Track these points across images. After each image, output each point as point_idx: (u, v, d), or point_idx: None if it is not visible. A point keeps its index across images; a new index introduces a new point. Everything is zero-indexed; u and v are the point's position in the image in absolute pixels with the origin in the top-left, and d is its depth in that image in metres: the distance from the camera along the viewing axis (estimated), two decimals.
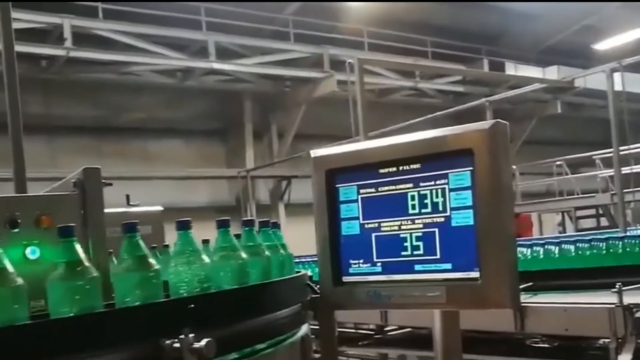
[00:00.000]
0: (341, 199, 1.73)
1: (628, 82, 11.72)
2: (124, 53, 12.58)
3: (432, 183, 1.61)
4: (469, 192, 1.57)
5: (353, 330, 5.74)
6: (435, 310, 1.74)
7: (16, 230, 2.03)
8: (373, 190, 1.69)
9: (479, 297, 1.55)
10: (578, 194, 14.56)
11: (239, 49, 14.19)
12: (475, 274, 1.55)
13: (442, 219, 1.60)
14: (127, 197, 4.59)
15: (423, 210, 1.63)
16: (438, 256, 1.60)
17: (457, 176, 1.58)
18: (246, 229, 1.78)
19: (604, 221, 14.42)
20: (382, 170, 1.67)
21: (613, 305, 3.41)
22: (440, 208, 1.60)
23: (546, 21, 18.22)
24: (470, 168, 1.56)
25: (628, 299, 3.40)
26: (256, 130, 15.67)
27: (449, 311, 1.74)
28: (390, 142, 1.68)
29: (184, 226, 1.52)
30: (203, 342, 1.26)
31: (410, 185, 1.64)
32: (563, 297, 3.84)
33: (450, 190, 1.59)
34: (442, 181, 1.60)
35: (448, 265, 1.59)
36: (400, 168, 1.65)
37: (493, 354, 4.70)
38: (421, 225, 1.63)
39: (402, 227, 1.65)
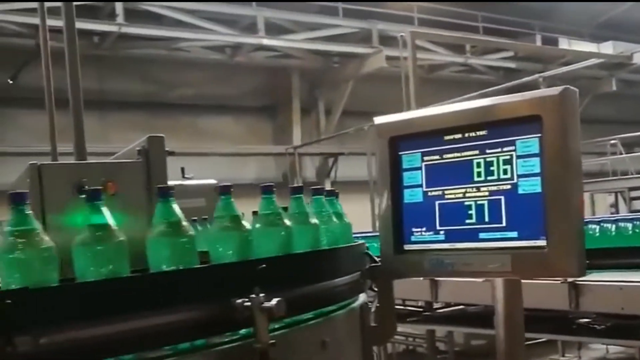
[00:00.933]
0: (404, 166, 1.72)
1: None
2: (173, 29, 12.70)
3: (499, 150, 1.59)
4: (537, 159, 1.54)
5: (401, 307, 5.75)
6: (497, 279, 1.73)
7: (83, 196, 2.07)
8: (437, 157, 1.67)
9: (545, 265, 1.53)
10: (632, 174, 14.20)
11: (287, 24, 14.18)
12: (542, 242, 1.53)
13: (509, 187, 1.58)
14: (182, 169, 4.64)
15: (489, 178, 1.60)
16: (504, 224, 1.59)
17: (524, 143, 1.55)
18: (295, 196, 1.78)
19: None
20: (446, 137, 1.66)
21: None
22: (507, 175, 1.58)
23: None
24: (539, 135, 1.53)
25: None
26: (303, 106, 15.68)
27: (512, 281, 1.72)
28: (455, 109, 1.66)
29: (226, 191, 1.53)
30: (273, 301, 1.28)
31: (476, 152, 1.62)
32: (619, 275, 3.77)
33: (518, 157, 1.57)
34: (509, 148, 1.58)
35: (514, 234, 1.57)
36: (466, 135, 1.63)
37: (547, 332, 4.66)
38: (487, 193, 1.61)
39: (467, 194, 1.64)
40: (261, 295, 1.30)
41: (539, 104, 1.53)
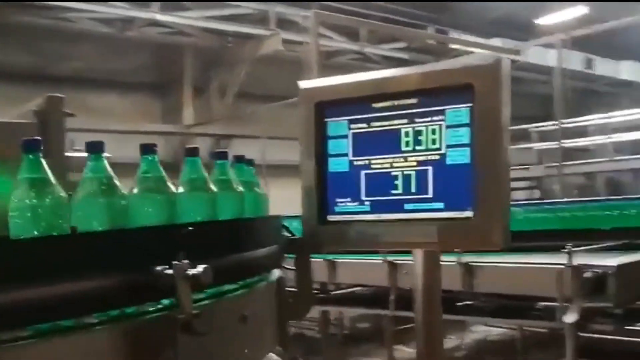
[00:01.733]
0: (330, 134, 1.65)
1: (565, 58, 12.00)
2: None
3: (428, 119, 1.55)
4: (467, 129, 1.52)
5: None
6: (417, 251, 1.70)
7: None
8: (365, 125, 1.62)
9: (472, 237, 1.52)
10: (515, 167, 14.88)
11: (182, 0, 13.77)
12: (468, 214, 1.51)
13: (437, 157, 1.55)
14: (72, 141, 4.37)
15: (417, 148, 1.57)
16: (430, 195, 1.55)
17: (455, 112, 1.53)
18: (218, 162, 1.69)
19: (536, 193, 14.81)
20: (375, 105, 1.60)
21: (562, 266, 3.49)
22: (436, 145, 1.55)
23: None
24: (470, 104, 1.51)
25: (577, 261, 3.49)
26: (196, 86, 15.32)
27: (432, 253, 1.70)
28: (385, 75, 1.61)
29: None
30: (199, 268, 1.18)
31: (405, 121, 1.58)
32: (512, 257, 3.91)
33: (447, 127, 1.54)
34: (439, 117, 1.54)
35: (440, 205, 1.54)
36: (395, 103, 1.58)
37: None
38: (414, 164, 1.57)
39: (394, 164, 1.59)
40: (185, 262, 1.19)
41: (471, 72, 1.51)
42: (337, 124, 1.64)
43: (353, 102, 1.62)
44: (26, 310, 1.07)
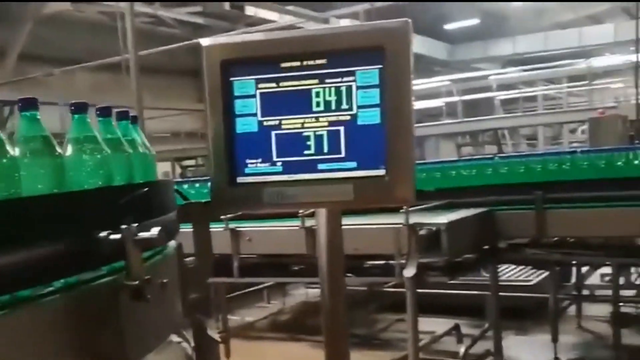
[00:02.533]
0: (236, 93, 1.60)
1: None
2: None
3: (339, 80, 1.57)
4: (377, 90, 1.56)
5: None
6: (320, 211, 1.73)
7: None
8: (274, 85, 1.59)
9: (386, 193, 1.57)
10: None
11: None
12: (381, 172, 1.56)
13: (348, 117, 1.58)
14: None
15: (328, 108, 1.58)
16: (343, 155, 1.58)
17: (365, 74, 1.56)
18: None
19: None
20: (284, 65, 1.58)
21: (399, 225, 3.72)
22: (347, 106, 1.57)
23: None
24: (380, 66, 1.55)
25: (414, 219, 3.74)
26: None
27: (333, 211, 1.74)
28: (294, 34, 1.60)
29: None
30: (154, 230, 1.10)
31: (316, 81, 1.58)
32: (355, 219, 4.08)
33: (358, 87, 1.57)
34: (350, 78, 1.57)
35: (353, 164, 1.58)
36: (305, 63, 1.58)
37: (277, 276, 4.84)
38: (326, 124, 1.59)
39: (305, 125, 1.59)
40: (134, 225, 1.11)
41: (382, 34, 1.55)
42: (243, 83, 1.60)
43: (261, 61, 1.59)
44: None
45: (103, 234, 1.09)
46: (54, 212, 1.05)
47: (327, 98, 1.58)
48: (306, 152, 1.59)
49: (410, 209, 3.70)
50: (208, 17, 17.25)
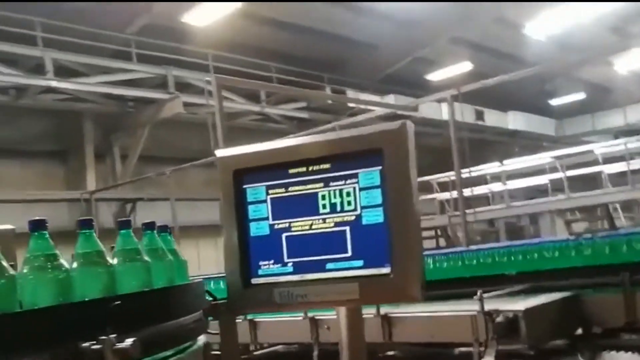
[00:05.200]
0: (249, 199, 1.71)
1: (457, 111, 12.63)
2: None
3: (343, 182, 1.65)
4: (379, 190, 1.61)
5: (218, 352, 5.63)
6: (341, 309, 1.77)
7: None
8: (282, 190, 1.69)
9: (391, 291, 1.60)
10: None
11: (78, 67, 13.59)
12: (386, 270, 1.60)
13: (353, 217, 1.64)
14: None
15: (334, 209, 1.65)
16: (350, 254, 1.63)
17: (367, 175, 1.62)
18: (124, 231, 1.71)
19: (442, 241, 15.27)
20: (291, 171, 1.68)
21: (475, 312, 3.63)
22: (351, 207, 1.64)
23: (382, 52, 19.15)
24: (380, 167, 1.61)
25: (488, 306, 3.64)
26: (98, 151, 15.04)
27: (354, 310, 1.77)
28: (299, 142, 1.70)
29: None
30: (128, 341, 1.19)
31: (321, 185, 1.66)
32: (426, 307, 4.03)
33: (361, 189, 1.63)
34: (352, 180, 1.64)
35: (360, 263, 1.62)
36: (310, 168, 1.67)
37: None
38: (332, 224, 1.65)
39: (313, 226, 1.67)
40: (112, 336, 1.20)
41: (379, 137, 1.62)
42: (255, 190, 1.70)
43: (270, 169, 1.69)
44: None
45: (85, 344, 1.20)
46: (39, 324, 1.17)
47: (333, 200, 1.65)
48: (315, 252, 1.66)
49: (487, 295, 3.61)
50: (312, 111, 17.89)
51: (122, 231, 1.64)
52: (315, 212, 1.66)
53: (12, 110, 13.36)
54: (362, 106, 15.05)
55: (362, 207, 1.63)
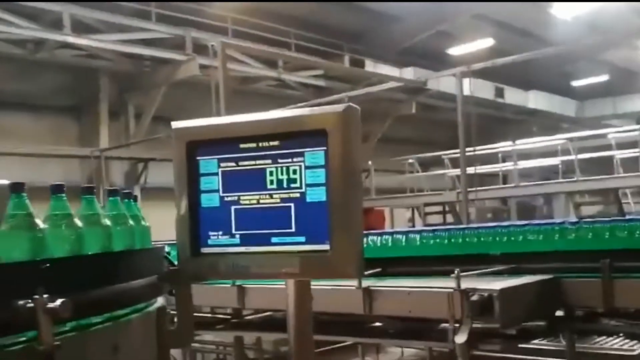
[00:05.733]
0: (201, 171, 1.77)
1: (476, 87, 12.54)
2: None
3: (290, 160, 1.70)
4: (323, 170, 1.67)
5: (210, 315, 5.76)
6: (289, 281, 1.84)
7: None
8: (233, 164, 1.75)
9: (329, 268, 1.66)
10: (427, 191, 15.36)
11: (96, 23, 13.65)
12: (326, 247, 1.66)
13: (298, 195, 1.69)
14: None
15: (280, 186, 1.71)
16: (293, 229, 1.69)
17: (312, 155, 1.68)
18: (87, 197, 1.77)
19: (450, 218, 15.29)
20: (242, 146, 1.74)
21: (452, 290, 3.70)
22: (297, 184, 1.69)
23: (404, 24, 19.01)
24: (324, 148, 1.66)
25: (465, 284, 3.70)
26: (112, 109, 15.15)
27: (302, 282, 1.84)
28: (250, 119, 1.75)
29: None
30: (58, 302, 1.27)
31: (269, 161, 1.72)
32: (408, 282, 4.09)
33: (306, 167, 1.68)
34: (299, 159, 1.69)
35: (302, 238, 1.69)
36: (260, 144, 1.72)
37: (346, 335, 4.91)
38: (278, 200, 1.71)
39: (261, 201, 1.73)
40: (45, 296, 1.28)
41: (324, 119, 1.67)
42: (207, 162, 1.76)
43: (222, 143, 1.75)
44: None
45: (21, 302, 1.28)
46: None
47: (280, 177, 1.71)
48: (261, 225, 1.72)
49: (466, 273, 3.68)
50: (329, 79, 17.84)
51: (85, 197, 1.71)
52: (263, 188, 1.72)
53: (29, 65, 13.48)
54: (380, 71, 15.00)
55: (307, 185, 1.68)
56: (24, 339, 1.32)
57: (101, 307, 1.53)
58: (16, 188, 1.49)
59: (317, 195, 1.67)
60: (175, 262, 1.94)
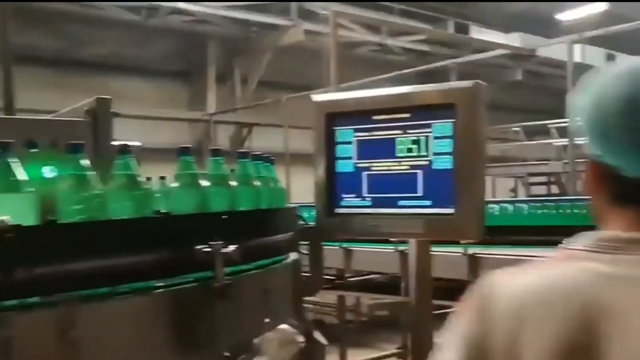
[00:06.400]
0: (337, 140, 1.98)
1: (588, 55, 12.13)
2: None
3: (418, 131, 1.87)
4: (450, 140, 1.83)
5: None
6: (411, 240, 2.03)
7: (34, 150, 2.20)
8: (367, 134, 1.94)
9: (452, 229, 1.83)
10: (531, 161, 15.01)
11: None
12: (450, 210, 1.83)
13: (425, 162, 1.87)
14: None
15: (409, 154, 1.89)
16: (420, 194, 1.87)
17: (440, 126, 1.84)
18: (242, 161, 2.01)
19: (554, 189, 14.92)
20: (375, 117, 1.92)
21: None
22: (424, 153, 1.87)
23: None
24: (452, 120, 1.82)
25: None
26: (220, 74, 15.63)
27: (423, 243, 2.02)
28: (383, 93, 1.93)
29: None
30: (231, 247, 1.51)
31: (400, 132, 1.90)
32: (515, 250, 4.19)
33: (434, 138, 1.85)
34: (427, 130, 1.86)
35: (428, 202, 1.86)
36: (392, 116, 1.91)
37: (451, 300, 5.05)
38: (407, 167, 1.89)
39: (390, 167, 1.91)
40: (220, 242, 1.52)
41: (453, 94, 1.82)
42: (344, 132, 1.97)
43: (357, 114, 1.94)
44: (103, 275, 1.41)
45: (199, 247, 1.52)
46: (167, 229, 1.51)
47: (409, 146, 1.89)
48: (389, 190, 1.91)
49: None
50: (433, 44, 17.66)
51: (241, 160, 1.95)
52: (393, 155, 1.91)
53: (144, 31, 14.10)
54: (486, 38, 14.73)
55: (434, 154, 1.85)
56: (192, 278, 1.57)
57: (259, 254, 1.76)
58: (183, 151, 1.74)
59: (443, 163, 1.84)
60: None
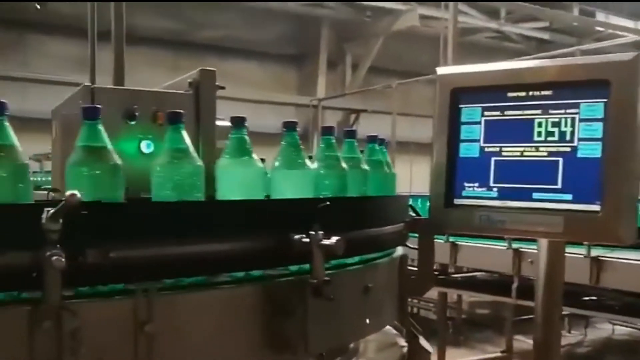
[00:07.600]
0: (463, 120, 1.71)
1: None
2: None
3: (562, 111, 1.58)
4: (600, 124, 1.53)
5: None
6: (542, 240, 1.74)
7: (133, 122, 2.08)
8: (498, 113, 1.67)
9: (598, 230, 1.54)
10: None
11: None
12: (596, 207, 1.53)
13: (568, 149, 1.58)
14: None
15: (549, 139, 1.60)
16: (559, 186, 1.59)
17: (589, 106, 1.55)
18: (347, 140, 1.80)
19: None
20: (510, 94, 1.65)
21: None
22: (568, 137, 1.58)
23: None
24: (605, 99, 1.52)
25: None
26: (330, 59, 15.51)
27: (556, 243, 1.74)
28: (521, 66, 1.65)
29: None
30: (333, 239, 1.29)
31: (539, 111, 1.61)
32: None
33: (581, 120, 1.56)
34: (574, 110, 1.57)
35: (568, 196, 1.58)
36: (530, 93, 1.62)
37: (569, 306, 4.68)
38: (545, 154, 1.61)
39: (525, 153, 1.63)
40: (320, 232, 1.31)
41: (608, 68, 1.52)
42: (471, 111, 1.70)
43: (488, 90, 1.67)
44: (182, 264, 1.23)
45: (297, 236, 1.31)
46: (260, 214, 1.31)
47: (549, 129, 1.60)
48: (522, 179, 1.63)
49: None
50: (554, 32, 16.79)
51: (348, 140, 1.73)
52: (529, 139, 1.63)
53: (257, 13, 14.16)
54: (611, 30, 13.81)
55: (580, 140, 1.56)
56: (288, 271, 1.37)
57: (363, 247, 1.54)
58: (289, 126, 1.54)
59: (591, 150, 1.55)
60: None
